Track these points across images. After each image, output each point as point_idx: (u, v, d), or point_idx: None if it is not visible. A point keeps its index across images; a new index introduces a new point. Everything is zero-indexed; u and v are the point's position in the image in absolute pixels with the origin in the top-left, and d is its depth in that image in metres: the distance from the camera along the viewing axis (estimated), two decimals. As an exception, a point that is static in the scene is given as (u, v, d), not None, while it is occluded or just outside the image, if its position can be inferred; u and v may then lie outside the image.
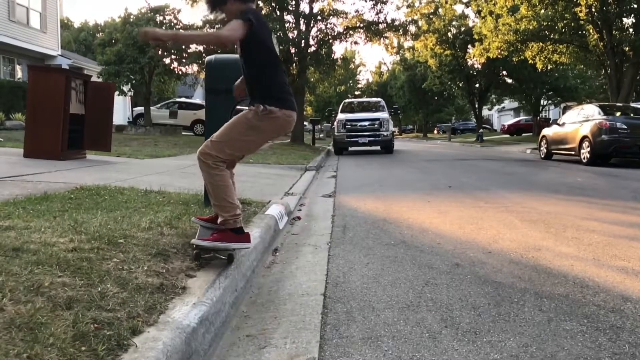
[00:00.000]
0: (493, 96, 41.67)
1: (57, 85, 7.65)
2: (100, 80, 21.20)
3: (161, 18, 25.80)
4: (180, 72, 27.05)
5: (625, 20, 19.96)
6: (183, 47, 24.62)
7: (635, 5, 18.69)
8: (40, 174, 6.03)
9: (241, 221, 2.81)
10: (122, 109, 29.38)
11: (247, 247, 2.83)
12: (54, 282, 2.00)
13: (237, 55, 3.11)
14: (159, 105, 27.71)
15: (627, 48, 18.75)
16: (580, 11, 18.89)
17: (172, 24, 25.88)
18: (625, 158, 12.62)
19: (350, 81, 61.87)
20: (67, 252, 2.41)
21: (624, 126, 12.07)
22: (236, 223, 2.75)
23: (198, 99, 32.41)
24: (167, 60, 26.15)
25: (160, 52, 25.04)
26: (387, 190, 7.09)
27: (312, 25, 21.64)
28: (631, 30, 19.44)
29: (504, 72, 35.04)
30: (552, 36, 21.08)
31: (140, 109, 27.67)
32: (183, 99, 30.50)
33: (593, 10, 18.77)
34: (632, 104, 16.70)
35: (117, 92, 20.11)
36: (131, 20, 25.73)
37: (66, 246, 2.50)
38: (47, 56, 22.94)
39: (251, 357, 1.97)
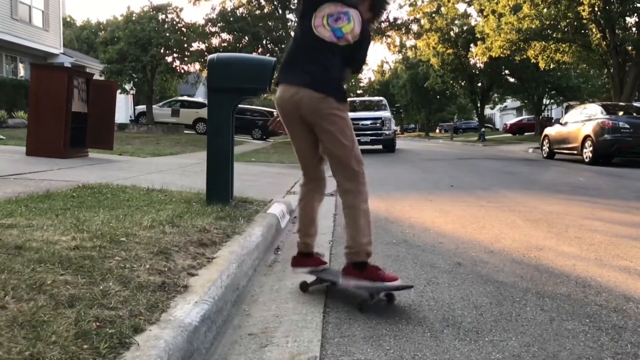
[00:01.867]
0: (495, 95, 41.64)
1: (59, 84, 7.66)
2: (102, 78, 21.23)
3: (163, 16, 25.83)
4: (182, 71, 27.11)
5: (628, 19, 19.92)
6: (185, 45, 24.69)
7: (639, 5, 18.64)
8: (43, 172, 6.04)
9: (304, 247, 2.75)
10: (124, 108, 29.42)
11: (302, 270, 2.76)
12: (56, 280, 2.00)
13: (238, 54, 3.10)
14: (161, 104, 27.76)
15: (630, 47, 18.71)
16: (583, 10, 18.84)
17: (174, 22, 25.91)
18: (628, 158, 12.60)
19: (352, 80, 61.84)
20: (69, 250, 2.42)
21: (627, 126, 12.06)
22: (300, 247, 2.76)
23: (200, 97, 32.47)
24: (169, 59, 26.22)
25: (162, 51, 25.09)
26: (389, 189, 7.09)
27: (314, 24, 21.62)
28: (634, 29, 19.40)
29: (507, 71, 35.00)
30: (554, 35, 21.05)
31: (142, 108, 27.72)
32: (185, 98, 30.53)
33: (596, 9, 18.72)
34: (635, 104, 16.66)
35: (119, 91, 20.15)
36: (133, 18, 25.78)
37: (68, 244, 2.51)
38: (50, 54, 22.98)
39: (253, 356, 1.97)
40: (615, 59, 19.19)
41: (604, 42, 19.28)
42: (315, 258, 2.75)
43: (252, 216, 4.03)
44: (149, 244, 2.73)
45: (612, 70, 19.79)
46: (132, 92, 28.01)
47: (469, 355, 1.95)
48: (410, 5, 28.66)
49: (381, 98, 20.77)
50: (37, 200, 3.94)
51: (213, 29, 21.45)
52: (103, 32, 38.32)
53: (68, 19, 45.60)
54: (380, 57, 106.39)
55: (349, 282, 2.47)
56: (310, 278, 2.73)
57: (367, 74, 68.09)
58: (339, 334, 2.15)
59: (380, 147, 17.42)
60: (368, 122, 16.73)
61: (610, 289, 2.76)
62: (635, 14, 19.19)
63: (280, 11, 21.53)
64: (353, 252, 2.47)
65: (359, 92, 62.09)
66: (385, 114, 17.35)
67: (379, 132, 16.59)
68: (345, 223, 2.53)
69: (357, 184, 2.53)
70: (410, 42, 36.59)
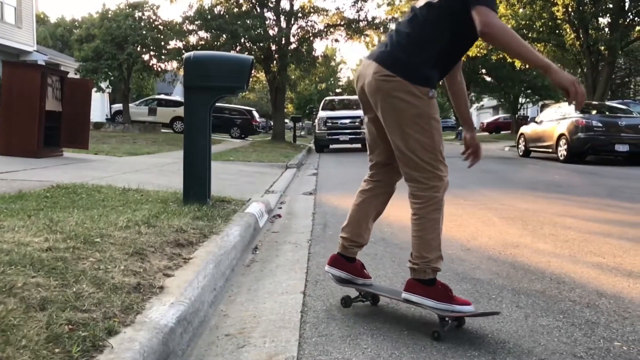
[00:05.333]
0: (472, 94, 42.04)
1: (32, 82, 7.52)
2: (77, 76, 20.89)
3: (140, 14, 25.50)
4: (159, 69, 26.78)
5: (601, 20, 20.32)
6: (162, 43, 24.41)
7: (611, 5, 19.02)
8: (15, 172, 5.92)
9: (343, 249, 2.46)
10: (100, 106, 29.01)
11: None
12: (28, 283, 1.96)
13: (215, 52, 2.93)
14: (137, 102, 27.42)
15: (603, 47, 19.08)
16: (558, 10, 19.17)
17: (151, 20, 25.60)
18: (601, 155, 12.86)
19: (331, 79, 61.85)
20: (42, 251, 2.37)
21: (600, 124, 12.30)
22: (340, 248, 2.46)
23: (177, 95, 32.16)
24: (146, 57, 25.88)
25: (139, 49, 24.78)
26: (367, 188, 7.09)
27: (292, 22, 21.61)
28: (607, 30, 19.79)
29: (483, 70, 35.36)
30: (530, 35, 21.33)
31: (118, 106, 27.36)
32: (162, 96, 30.21)
33: (570, 9, 19.05)
34: (607, 103, 17.00)
35: (94, 89, 19.81)
36: (109, 16, 25.40)
37: (41, 246, 2.46)
38: (23, 52, 22.52)
39: (230, 357, 1.95)
40: (588, 58, 19.55)
41: (578, 42, 19.63)
42: (356, 267, 2.43)
43: (229, 216, 4.01)
44: (124, 245, 2.70)
45: (585, 70, 20.15)
46: (108, 90, 27.61)
47: (445, 353, 1.96)
48: (388, 4, 28.75)
49: (360, 97, 20.81)
50: (9, 201, 3.85)
51: (190, 27, 21.20)
52: (78, 29, 37.66)
53: (41, 16, 44.76)
54: (359, 56, 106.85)
55: (411, 297, 2.17)
56: (339, 289, 2.54)
57: (346, 73, 68.22)
58: (316, 333, 2.14)
59: (359, 145, 17.49)
60: (347, 120, 16.80)
61: (584, 285, 2.81)
62: (608, 15, 19.57)
63: (258, 9, 21.41)
64: (418, 268, 2.18)
65: (338, 90, 62.18)
66: (364, 112, 17.41)
67: (358, 131, 16.64)
68: (412, 232, 2.24)
69: (428, 188, 2.14)
70: (388, 41, 36.72)
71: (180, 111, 23.70)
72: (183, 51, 20.19)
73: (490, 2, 1.97)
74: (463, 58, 2.34)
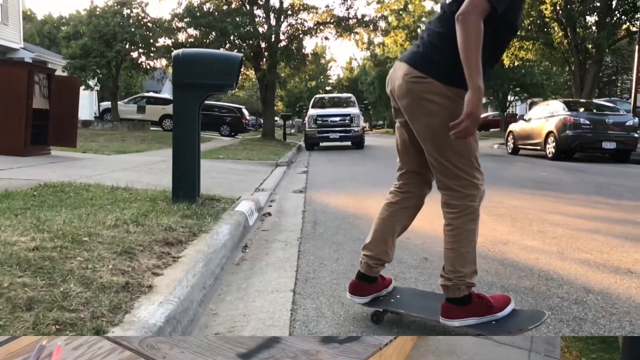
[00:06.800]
0: (462, 92, 42.23)
1: (19, 80, 7.45)
2: (65, 74, 20.70)
3: (128, 11, 25.33)
4: (148, 67, 26.59)
5: (588, 18, 20.48)
6: (151, 40, 24.26)
7: (598, 4, 19.19)
8: (2, 170, 5.86)
9: (366, 268, 2.25)
10: (88, 104, 28.76)
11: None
12: (14, 283, 1.94)
13: (204, 50, 2.76)
14: (126, 100, 27.21)
15: (590, 46, 19.23)
16: (546, 9, 19.31)
17: (140, 17, 25.43)
18: (588, 153, 12.98)
19: (321, 77, 61.74)
20: (28, 251, 2.34)
21: (587, 122, 12.41)
22: (363, 267, 2.26)
23: (166, 93, 31.94)
24: (134, 55, 25.70)
25: (127, 46, 24.61)
26: (357, 186, 7.11)
27: (282, 20, 21.54)
28: (594, 28, 19.95)
29: (472, 68, 35.50)
30: (518, 33, 21.45)
31: (107, 104, 27.14)
32: (151, 94, 30.00)
33: (558, 8, 19.20)
34: (595, 100, 17.15)
35: (82, 87, 19.66)
36: (97, 13, 25.20)
37: (27, 245, 2.43)
38: (9, 49, 22.30)
39: (219, 356, 1.94)
40: (576, 56, 19.71)
41: (566, 40, 19.78)
42: (378, 284, 2.26)
43: (219, 214, 3.99)
44: (112, 244, 2.68)
45: (573, 68, 20.31)
46: (96, 88, 27.39)
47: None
48: (378, 2, 28.79)
49: (350, 95, 20.84)
50: (-5, 200, 3.81)
51: (179, 25, 21.06)
52: (66, 26, 37.29)
53: (28, 13, 44.28)
54: (348, 54, 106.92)
55: (452, 322, 2.00)
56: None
57: (336, 71, 68.26)
58: (306, 331, 2.14)
59: (349, 143, 17.50)
60: (337, 118, 16.79)
61: (572, 282, 2.83)
62: (595, 13, 19.73)
63: (247, 7, 21.32)
64: (452, 284, 2.00)
65: (327, 88, 62.20)
66: (354, 110, 17.43)
67: (348, 128, 16.65)
68: (444, 244, 2.06)
69: (463, 196, 2.02)
70: (378, 39, 36.77)
71: (169, 109, 23.52)
72: (172, 49, 20.06)
73: None
74: None
